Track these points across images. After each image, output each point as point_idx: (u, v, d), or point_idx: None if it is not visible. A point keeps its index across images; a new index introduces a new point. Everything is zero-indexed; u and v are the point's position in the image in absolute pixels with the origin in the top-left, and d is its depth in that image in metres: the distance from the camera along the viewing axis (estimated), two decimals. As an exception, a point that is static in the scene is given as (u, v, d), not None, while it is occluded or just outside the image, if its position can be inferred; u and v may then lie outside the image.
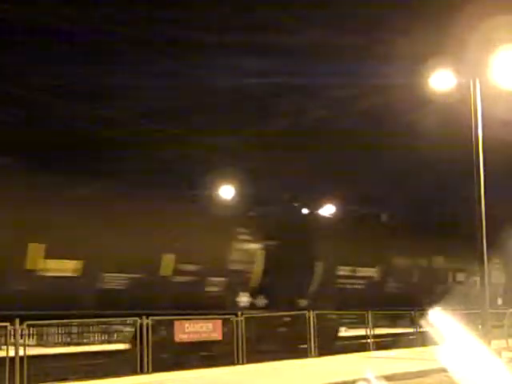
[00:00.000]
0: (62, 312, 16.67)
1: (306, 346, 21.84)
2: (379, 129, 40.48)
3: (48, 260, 16.31)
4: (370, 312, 24.96)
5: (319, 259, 24.18)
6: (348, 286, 25.29)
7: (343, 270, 25.14)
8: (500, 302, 31.28)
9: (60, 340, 30.26)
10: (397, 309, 26.88)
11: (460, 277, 31.00)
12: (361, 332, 25.94)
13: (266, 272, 22.40)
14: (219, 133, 38.99)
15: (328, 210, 43.94)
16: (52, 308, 16.29)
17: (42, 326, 15.93)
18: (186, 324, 18.76)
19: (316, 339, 21.82)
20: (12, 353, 15.20)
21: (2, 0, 25.85)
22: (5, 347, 15.49)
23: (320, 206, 43.78)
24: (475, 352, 17.97)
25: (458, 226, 35.62)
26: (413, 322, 26.80)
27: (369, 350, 24.15)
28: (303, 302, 23.36)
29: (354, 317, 28.39)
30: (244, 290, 21.87)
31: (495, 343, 20.65)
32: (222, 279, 20.66)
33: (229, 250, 21.10)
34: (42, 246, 16.17)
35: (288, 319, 22.59)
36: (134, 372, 17.12)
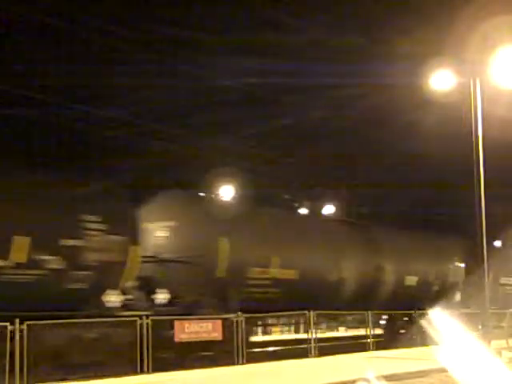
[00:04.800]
0: (63, 312, 16.65)
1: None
2: (379, 129, 40.49)
3: None
4: (369, 312, 25.00)
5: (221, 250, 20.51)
6: (257, 282, 21.76)
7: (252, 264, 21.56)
8: (458, 298, 30.47)
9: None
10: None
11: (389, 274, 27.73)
12: (361, 332, 25.99)
13: (147, 266, 19.39)
14: (219, 133, 39.03)
15: (328, 209, 44.05)
16: (53, 308, 16.27)
17: (42, 326, 15.85)
18: (186, 324, 18.76)
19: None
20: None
21: (2, 0, 25.87)
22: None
23: (320, 205, 43.89)
24: (475, 352, 17.97)
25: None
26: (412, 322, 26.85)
27: (369, 350, 24.18)
28: (195, 300, 20.02)
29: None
30: (114, 288, 18.23)
31: (495, 343, 20.66)
32: (82, 274, 17.02)
33: (91, 240, 17.22)
34: None
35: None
36: (134, 372, 17.13)
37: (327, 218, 37.68)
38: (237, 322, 19.98)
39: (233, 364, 19.28)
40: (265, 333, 35.52)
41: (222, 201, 25.08)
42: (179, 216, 20.51)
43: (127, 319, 17.88)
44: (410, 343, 24.97)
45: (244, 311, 20.29)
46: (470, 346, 18.74)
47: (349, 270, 25.21)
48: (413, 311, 27.12)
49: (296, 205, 43.69)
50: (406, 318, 28.11)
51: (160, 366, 17.56)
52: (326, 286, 24.10)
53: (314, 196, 44.22)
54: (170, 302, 19.71)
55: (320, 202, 44.18)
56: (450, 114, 23.48)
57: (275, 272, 22.13)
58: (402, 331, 27.60)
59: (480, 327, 20.89)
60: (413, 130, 35.19)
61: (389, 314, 27.97)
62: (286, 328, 37.78)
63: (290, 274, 22.62)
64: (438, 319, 21.75)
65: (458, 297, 30.57)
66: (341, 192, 43.18)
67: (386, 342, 25.80)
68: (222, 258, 20.50)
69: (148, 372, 17.33)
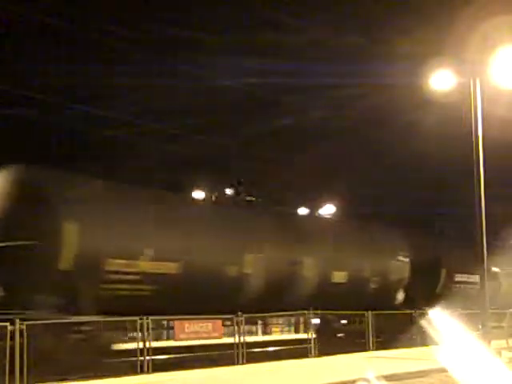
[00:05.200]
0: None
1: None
2: (379, 129, 40.56)
3: None
4: (370, 312, 24.93)
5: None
6: (121, 277, 17.88)
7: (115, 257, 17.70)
8: (401, 297, 27.92)
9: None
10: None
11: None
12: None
13: None
14: (219, 133, 39.09)
15: (328, 209, 44.06)
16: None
17: (42, 326, 15.84)
18: (186, 324, 18.74)
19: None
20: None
21: (3, 0, 25.91)
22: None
23: (319, 205, 43.90)
24: (475, 352, 17.99)
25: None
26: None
27: (369, 350, 24.16)
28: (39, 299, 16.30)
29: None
30: None
31: (495, 343, 20.65)
32: None
33: None
34: None
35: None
36: (134, 372, 17.12)
37: (233, 206, 32.85)
38: (237, 321, 19.97)
39: (233, 364, 19.28)
40: (265, 333, 35.53)
41: (77, 180, 18.95)
42: (5, 196, 17.08)
43: (127, 319, 17.86)
44: (410, 343, 24.92)
45: (104, 312, 16.93)
46: (469, 345, 18.75)
47: (255, 264, 21.52)
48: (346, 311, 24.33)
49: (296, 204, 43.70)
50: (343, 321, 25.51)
51: (160, 366, 17.58)
52: (223, 282, 20.46)
53: (313, 196, 44.31)
54: (5, 301, 16.34)
55: (320, 202, 44.21)
56: (450, 114, 23.51)
57: (146, 265, 18.29)
58: (340, 335, 25.11)
59: (480, 327, 20.85)
60: (413, 129, 35.28)
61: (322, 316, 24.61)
62: (286, 328, 37.79)
63: (168, 268, 18.84)
64: (438, 319, 21.75)
65: (400, 295, 28.04)
66: (340, 192, 43.20)
67: (322, 345, 22.81)
68: (68, 246, 16.71)
69: (148, 372, 17.33)
